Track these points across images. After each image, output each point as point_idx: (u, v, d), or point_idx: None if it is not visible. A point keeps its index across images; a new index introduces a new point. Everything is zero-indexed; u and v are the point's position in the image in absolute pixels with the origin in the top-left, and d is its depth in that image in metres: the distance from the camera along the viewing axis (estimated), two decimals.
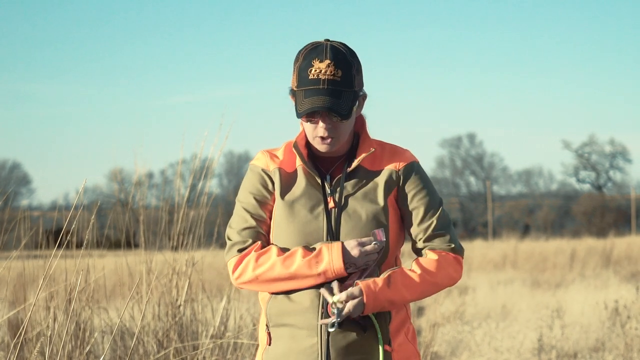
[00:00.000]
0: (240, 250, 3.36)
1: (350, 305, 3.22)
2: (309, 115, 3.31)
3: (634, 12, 67.83)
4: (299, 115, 3.29)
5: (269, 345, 3.38)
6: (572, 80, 72.34)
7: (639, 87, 70.80)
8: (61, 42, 68.96)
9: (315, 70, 3.28)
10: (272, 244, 3.36)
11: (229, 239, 3.40)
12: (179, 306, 6.62)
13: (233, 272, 3.36)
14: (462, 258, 3.39)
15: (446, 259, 3.34)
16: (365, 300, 3.23)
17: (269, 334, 3.38)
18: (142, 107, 72.14)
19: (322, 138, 3.33)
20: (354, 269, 3.27)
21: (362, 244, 3.26)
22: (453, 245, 3.37)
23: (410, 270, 3.32)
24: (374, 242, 3.27)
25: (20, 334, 5.19)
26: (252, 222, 3.37)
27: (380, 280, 3.26)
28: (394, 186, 3.38)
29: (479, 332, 11.26)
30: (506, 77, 71.56)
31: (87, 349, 6.09)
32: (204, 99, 70.82)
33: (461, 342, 10.89)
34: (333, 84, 3.27)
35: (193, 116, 64.55)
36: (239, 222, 3.39)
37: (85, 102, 71.44)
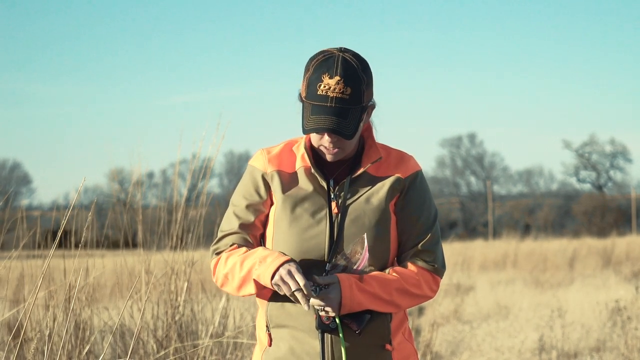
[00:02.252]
0: (218, 253, 3.38)
1: (326, 281, 3.19)
2: None
3: (634, 12, 67.83)
4: (304, 132, 3.26)
5: (270, 346, 3.36)
6: (572, 80, 72.37)
7: (639, 87, 70.81)
8: (61, 42, 68.98)
9: (324, 87, 3.23)
10: (242, 245, 3.34)
11: (214, 242, 3.42)
12: (179, 306, 6.61)
13: (213, 275, 3.40)
14: (440, 279, 3.40)
15: (424, 275, 3.34)
16: (339, 279, 3.19)
17: (269, 334, 3.36)
18: (142, 107, 72.21)
19: (327, 148, 3.31)
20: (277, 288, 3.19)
21: (296, 275, 3.15)
22: (435, 265, 3.36)
23: (387, 273, 3.30)
24: (309, 284, 3.15)
25: (20, 333, 5.18)
26: (238, 228, 3.37)
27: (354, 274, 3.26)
28: (397, 193, 3.36)
29: (480, 332, 11.26)
30: (506, 77, 71.56)
31: (87, 348, 6.08)
32: (203, 99, 70.88)
33: (462, 342, 10.89)
34: (341, 102, 3.22)
35: (193, 116, 64.65)
36: (225, 226, 3.40)
37: (85, 102, 71.52)
